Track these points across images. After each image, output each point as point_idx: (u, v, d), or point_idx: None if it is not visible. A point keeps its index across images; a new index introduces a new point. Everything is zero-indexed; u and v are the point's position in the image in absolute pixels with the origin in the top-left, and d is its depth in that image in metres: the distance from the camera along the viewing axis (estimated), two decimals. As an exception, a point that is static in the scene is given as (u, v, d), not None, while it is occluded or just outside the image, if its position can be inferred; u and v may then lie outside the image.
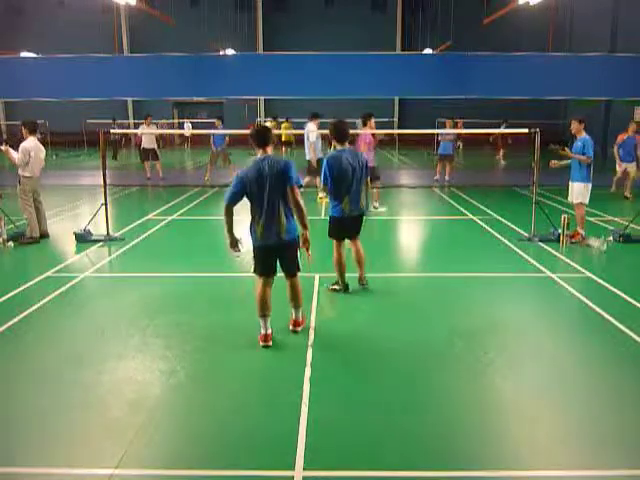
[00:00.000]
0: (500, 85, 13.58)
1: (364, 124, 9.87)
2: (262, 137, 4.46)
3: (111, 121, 21.97)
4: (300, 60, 14.79)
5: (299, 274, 4.74)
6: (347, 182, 5.53)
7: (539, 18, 27.29)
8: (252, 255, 4.58)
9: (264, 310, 4.55)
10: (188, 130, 15.78)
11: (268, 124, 18.97)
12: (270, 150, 4.50)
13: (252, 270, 4.68)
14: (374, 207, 10.66)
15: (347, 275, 5.90)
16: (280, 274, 4.66)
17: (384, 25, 31.63)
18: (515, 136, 19.46)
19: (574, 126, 8.09)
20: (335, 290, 5.91)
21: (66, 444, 3.27)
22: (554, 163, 8.24)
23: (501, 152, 20.99)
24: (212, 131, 15.50)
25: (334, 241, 5.79)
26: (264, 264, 4.55)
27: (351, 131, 6.13)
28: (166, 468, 3.04)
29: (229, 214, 4.36)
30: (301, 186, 4.51)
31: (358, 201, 5.66)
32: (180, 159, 24.72)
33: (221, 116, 16.43)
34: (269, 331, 4.57)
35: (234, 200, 4.38)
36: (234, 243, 4.45)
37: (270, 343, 4.55)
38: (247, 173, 4.36)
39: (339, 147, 5.64)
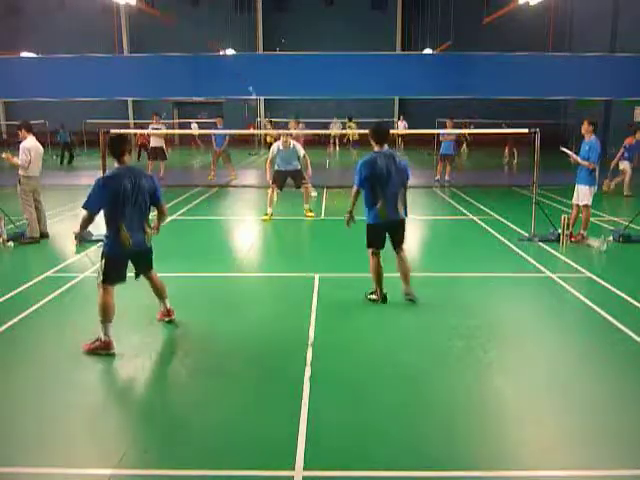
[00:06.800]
0: (500, 85, 13.57)
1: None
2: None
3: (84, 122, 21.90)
4: (300, 60, 14.79)
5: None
6: (381, 185, 5.23)
7: (539, 18, 27.24)
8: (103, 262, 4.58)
9: (110, 315, 4.48)
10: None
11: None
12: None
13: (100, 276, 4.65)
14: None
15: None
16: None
17: (384, 25, 31.58)
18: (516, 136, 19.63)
19: (584, 127, 7.98)
20: (373, 300, 5.56)
21: (66, 444, 3.27)
22: (574, 159, 8.06)
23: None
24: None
25: (369, 250, 5.45)
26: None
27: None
28: (166, 468, 3.04)
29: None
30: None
31: (395, 206, 5.32)
32: (181, 159, 24.70)
33: (222, 115, 16.60)
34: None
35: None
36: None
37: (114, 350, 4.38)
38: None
39: (377, 149, 5.37)
